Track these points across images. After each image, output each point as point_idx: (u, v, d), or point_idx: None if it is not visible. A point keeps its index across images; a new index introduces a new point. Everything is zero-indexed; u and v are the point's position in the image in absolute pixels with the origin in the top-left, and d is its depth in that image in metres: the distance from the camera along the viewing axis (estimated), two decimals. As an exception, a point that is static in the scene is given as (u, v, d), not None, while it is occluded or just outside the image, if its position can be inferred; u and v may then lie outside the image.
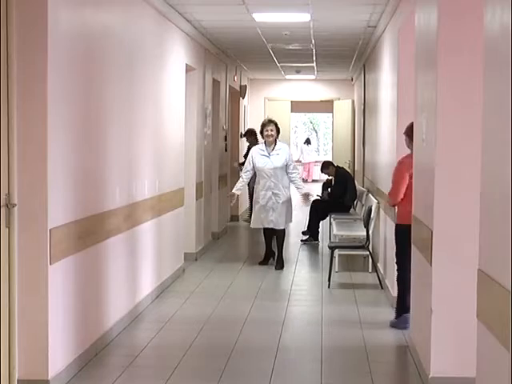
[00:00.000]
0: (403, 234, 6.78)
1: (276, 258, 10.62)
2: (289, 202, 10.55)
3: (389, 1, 8.45)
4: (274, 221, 10.46)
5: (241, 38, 11.84)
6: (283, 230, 10.64)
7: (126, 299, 7.27)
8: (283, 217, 10.47)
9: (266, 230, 10.71)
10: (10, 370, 5.14)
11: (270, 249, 10.76)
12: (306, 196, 10.68)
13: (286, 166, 10.47)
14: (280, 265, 10.52)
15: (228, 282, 9.47)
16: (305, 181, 29.82)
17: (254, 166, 10.55)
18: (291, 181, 10.56)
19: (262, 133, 10.64)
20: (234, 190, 10.75)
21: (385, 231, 9.28)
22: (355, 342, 6.78)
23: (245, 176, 10.68)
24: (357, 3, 8.96)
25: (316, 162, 29.56)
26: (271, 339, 6.83)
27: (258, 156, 10.53)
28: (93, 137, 6.25)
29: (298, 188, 10.59)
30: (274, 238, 10.74)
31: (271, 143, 10.53)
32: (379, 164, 10.44)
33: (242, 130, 17.06)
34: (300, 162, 30.33)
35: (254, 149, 10.78)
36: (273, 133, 10.49)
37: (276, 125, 10.58)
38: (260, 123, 10.92)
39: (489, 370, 3.59)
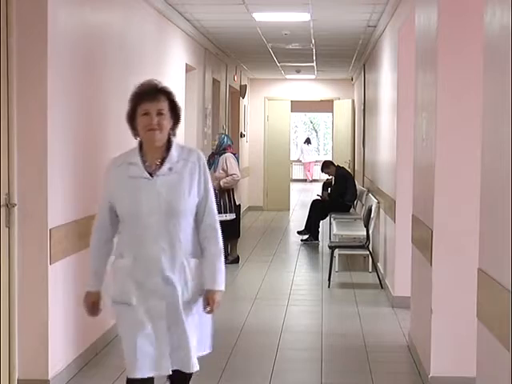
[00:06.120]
0: None
1: None
2: (201, 294, 4.24)
3: (389, 1, 8.45)
4: (177, 357, 3.93)
5: (241, 37, 11.83)
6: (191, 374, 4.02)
7: (126, 299, 7.26)
8: (195, 341, 4.02)
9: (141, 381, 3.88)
10: (10, 370, 5.14)
11: None
12: (212, 300, 4.32)
13: (198, 208, 3.95)
14: None
15: (228, 282, 9.37)
16: (305, 181, 29.81)
17: (112, 212, 3.97)
18: (201, 245, 4.16)
19: (131, 118, 3.89)
20: (89, 288, 4.24)
21: (385, 231, 9.28)
22: (355, 341, 6.78)
23: (97, 243, 4.01)
24: (357, 3, 8.96)
25: (316, 161, 29.55)
26: (271, 339, 6.83)
27: (124, 182, 3.94)
28: (93, 137, 6.26)
29: (210, 272, 4.40)
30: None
31: (158, 146, 3.88)
32: (379, 164, 10.44)
33: (243, 130, 17.07)
34: (300, 161, 30.33)
35: (109, 168, 4.11)
36: (163, 120, 3.83)
37: (171, 98, 3.89)
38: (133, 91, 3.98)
39: (489, 370, 3.59)
